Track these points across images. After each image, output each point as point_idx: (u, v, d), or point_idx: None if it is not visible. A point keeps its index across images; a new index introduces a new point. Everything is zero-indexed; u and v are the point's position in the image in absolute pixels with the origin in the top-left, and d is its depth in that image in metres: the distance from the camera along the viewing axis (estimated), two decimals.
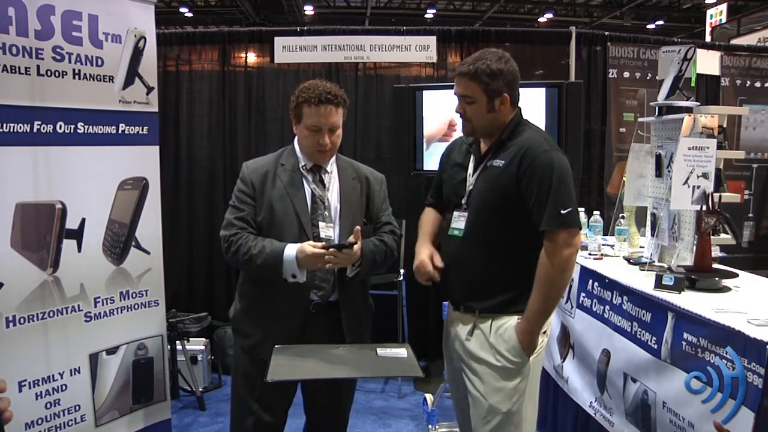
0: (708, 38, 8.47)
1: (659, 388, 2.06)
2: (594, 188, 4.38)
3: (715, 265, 2.43)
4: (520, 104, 1.97)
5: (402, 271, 3.73)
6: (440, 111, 3.73)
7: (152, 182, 2.77)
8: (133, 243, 2.72)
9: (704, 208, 2.37)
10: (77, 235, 2.51)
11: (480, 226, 1.92)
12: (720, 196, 2.45)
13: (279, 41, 4.24)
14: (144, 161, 2.75)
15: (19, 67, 2.27)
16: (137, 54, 2.66)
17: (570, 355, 2.80)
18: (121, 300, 2.68)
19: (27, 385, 2.36)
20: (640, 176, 2.85)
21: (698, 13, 12.91)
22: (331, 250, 1.90)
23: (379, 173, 2.25)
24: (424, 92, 3.80)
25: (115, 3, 2.58)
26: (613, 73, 4.42)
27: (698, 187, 2.38)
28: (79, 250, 2.52)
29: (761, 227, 4.81)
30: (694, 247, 2.43)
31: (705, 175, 2.38)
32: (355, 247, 1.92)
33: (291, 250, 1.93)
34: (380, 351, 1.94)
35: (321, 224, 2.05)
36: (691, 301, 2.06)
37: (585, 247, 2.85)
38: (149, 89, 2.73)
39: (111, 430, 2.68)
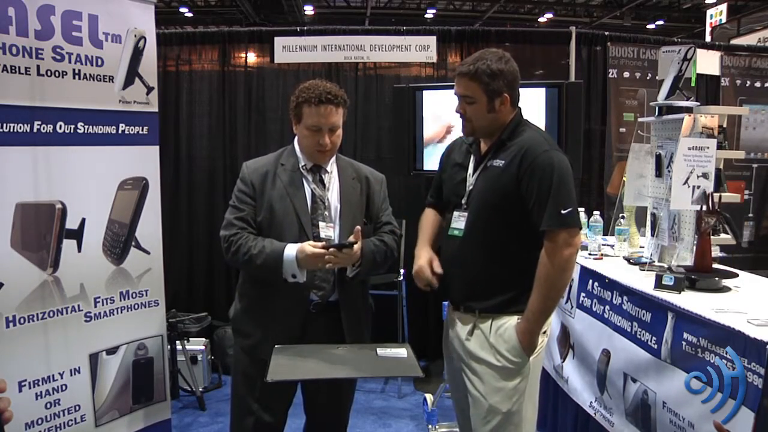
0: (708, 38, 8.47)
1: (659, 388, 2.06)
2: (594, 188, 4.38)
3: (715, 265, 2.43)
4: (520, 104, 1.97)
5: (402, 271, 3.73)
6: (438, 113, 3.73)
7: (152, 182, 2.77)
8: (133, 243, 2.72)
9: (704, 208, 2.37)
10: (77, 235, 2.51)
11: (480, 226, 1.92)
12: (720, 196, 2.45)
13: (279, 41, 4.24)
14: (144, 161, 2.75)
15: (19, 67, 2.27)
16: (137, 54, 2.66)
17: (570, 355, 2.80)
18: (121, 300, 2.68)
19: (27, 385, 2.36)
20: (640, 176, 2.85)
21: (698, 13, 12.91)
22: (331, 249, 1.90)
23: (379, 173, 2.25)
24: (424, 92, 3.80)
25: (115, 3, 2.58)
26: (613, 73, 4.42)
27: (698, 187, 2.38)
28: (79, 250, 2.51)
29: (761, 227, 4.81)
30: (694, 247, 2.43)
31: (705, 175, 2.38)
32: (355, 246, 1.92)
33: (291, 250, 1.93)
34: (380, 351, 1.94)
35: (321, 224, 2.04)
36: (691, 301, 2.06)
37: (585, 247, 2.85)
38: (149, 89, 2.73)
39: (111, 430, 2.68)
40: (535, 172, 1.82)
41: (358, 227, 1.97)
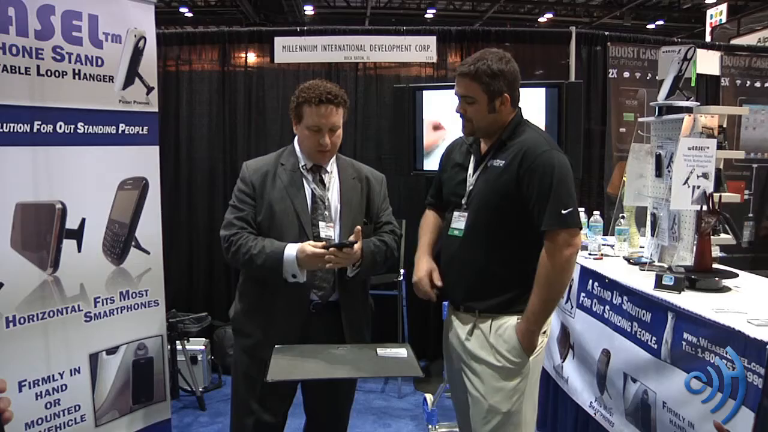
0: (708, 38, 8.46)
1: (659, 388, 2.06)
2: (594, 188, 4.38)
3: (715, 265, 2.43)
4: (520, 104, 1.97)
5: (402, 271, 3.73)
6: (435, 115, 3.74)
7: (152, 182, 2.77)
8: (133, 243, 2.72)
9: (704, 208, 2.37)
10: (77, 235, 2.51)
11: (480, 227, 1.92)
12: (720, 196, 2.45)
13: (279, 41, 4.24)
14: (144, 161, 2.75)
15: (19, 67, 2.27)
16: (137, 54, 2.66)
17: (570, 355, 2.80)
18: (121, 300, 2.68)
19: (27, 385, 2.36)
20: (640, 176, 2.85)
21: (698, 13, 12.90)
22: (331, 249, 1.90)
23: (380, 173, 2.24)
24: (424, 92, 3.80)
25: (115, 3, 2.58)
26: (613, 73, 4.42)
27: (698, 187, 2.38)
28: (79, 250, 2.52)
29: (761, 227, 4.81)
30: (694, 247, 2.43)
31: (705, 175, 2.39)
32: (356, 246, 1.92)
33: (291, 249, 1.93)
34: (380, 351, 1.94)
35: (321, 224, 2.04)
36: (691, 301, 2.05)
37: (585, 247, 2.85)
38: (149, 89, 2.73)
39: (111, 430, 2.68)
40: (536, 172, 1.82)
41: (359, 227, 1.96)
